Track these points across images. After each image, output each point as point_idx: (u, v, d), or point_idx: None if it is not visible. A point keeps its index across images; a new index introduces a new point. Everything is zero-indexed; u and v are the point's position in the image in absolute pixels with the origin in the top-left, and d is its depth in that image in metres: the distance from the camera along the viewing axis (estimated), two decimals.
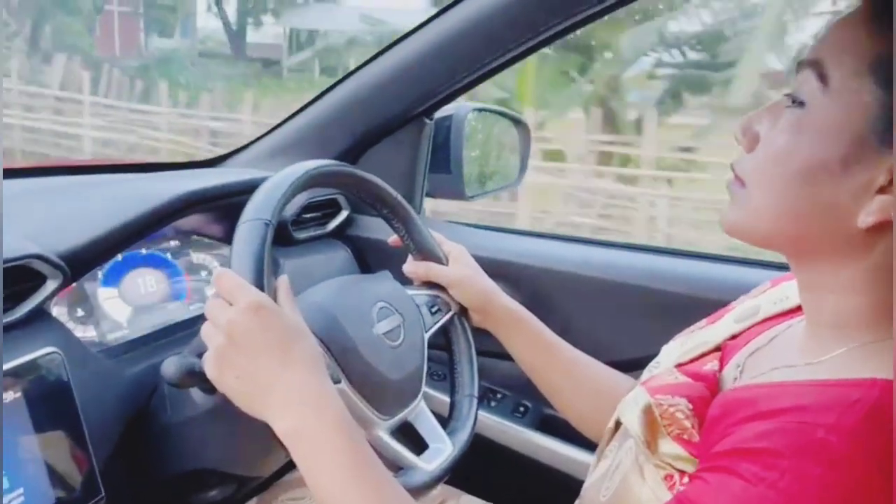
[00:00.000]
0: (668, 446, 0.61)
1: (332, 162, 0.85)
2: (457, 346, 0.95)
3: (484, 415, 1.19)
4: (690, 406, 0.63)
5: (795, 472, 0.49)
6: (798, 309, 0.70)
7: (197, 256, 1.10)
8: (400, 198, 0.91)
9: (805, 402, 0.53)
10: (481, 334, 0.96)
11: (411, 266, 0.94)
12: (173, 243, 1.07)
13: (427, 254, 0.94)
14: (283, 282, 0.72)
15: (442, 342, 0.95)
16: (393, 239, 0.96)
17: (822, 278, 0.60)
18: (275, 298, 0.69)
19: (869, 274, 0.57)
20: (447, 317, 0.93)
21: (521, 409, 1.21)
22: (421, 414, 0.86)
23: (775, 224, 0.59)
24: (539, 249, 1.23)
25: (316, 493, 0.65)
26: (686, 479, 0.59)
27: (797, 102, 0.57)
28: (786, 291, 0.75)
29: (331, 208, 1.24)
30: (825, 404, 0.52)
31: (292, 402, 0.65)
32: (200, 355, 0.80)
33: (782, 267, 1.08)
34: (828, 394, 0.53)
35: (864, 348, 0.57)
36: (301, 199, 1.14)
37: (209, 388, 0.80)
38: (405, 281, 0.96)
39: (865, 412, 0.50)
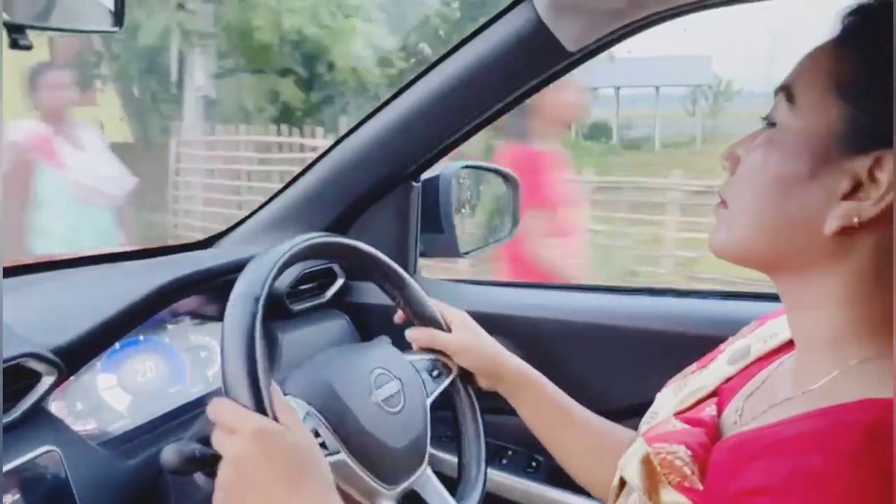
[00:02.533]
0: (670, 496, 0.60)
1: (317, 235, 0.86)
2: (460, 409, 0.95)
3: (496, 473, 1.17)
4: (689, 452, 0.62)
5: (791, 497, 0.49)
6: (787, 346, 0.71)
7: (196, 337, 1.10)
8: (395, 266, 0.92)
9: (802, 431, 0.53)
10: (488, 391, 0.95)
11: (414, 333, 0.95)
12: (170, 326, 1.07)
13: (428, 321, 0.94)
14: (276, 392, 0.70)
15: (444, 405, 0.94)
16: (399, 316, 0.97)
17: (804, 294, 0.61)
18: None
19: (848, 286, 0.58)
20: (448, 380, 0.93)
21: (534, 463, 1.19)
22: (427, 481, 0.84)
23: (754, 239, 0.62)
24: (530, 299, 1.23)
25: None
26: None
27: (770, 124, 0.62)
28: (773, 329, 0.75)
29: (326, 277, 1.25)
30: (822, 431, 0.52)
31: None
32: (201, 440, 0.80)
33: (769, 297, 1.08)
34: (825, 421, 0.53)
35: (856, 368, 0.57)
36: (296, 271, 1.15)
37: (212, 472, 0.79)
38: (405, 346, 0.96)
39: (863, 434, 0.50)
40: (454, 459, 0.96)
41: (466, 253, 1.34)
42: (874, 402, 0.52)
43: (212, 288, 1.04)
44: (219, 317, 1.11)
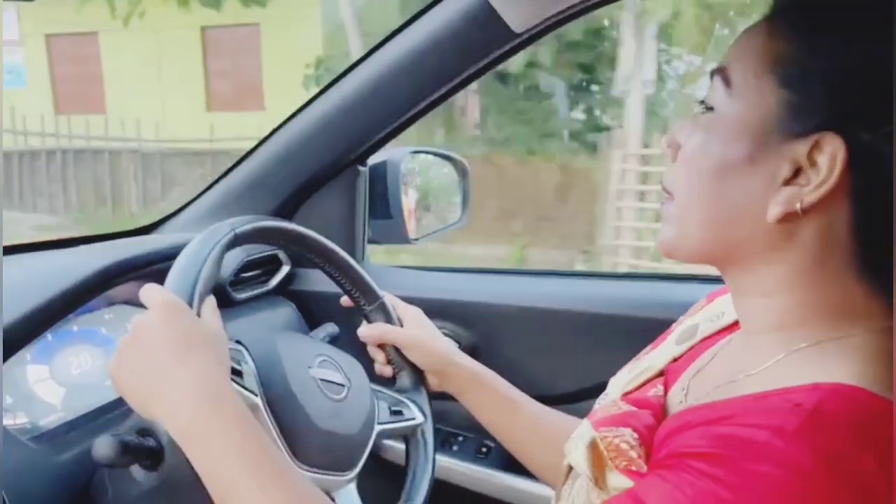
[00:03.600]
0: (617, 479, 0.60)
1: (272, 219, 0.85)
2: (414, 458, 0.90)
3: (447, 459, 1.17)
4: (635, 435, 0.61)
5: (742, 471, 0.48)
6: (734, 325, 0.71)
7: None
8: (344, 255, 0.90)
9: (748, 407, 0.53)
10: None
11: (366, 329, 0.93)
12: (107, 316, 1.03)
13: (380, 314, 0.93)
14: (210, 300, 0.73)
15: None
16: (345, 299, 0.95)
17: (751, 282, 0.60)
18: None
19: (794, 272, 0.57)
20: (408, 423, 0.90)
21: (484, 449, 1.19)
22: (348, 495, 0.80)
23: (701, 231, 0.60)
24: (482, 285, 1.22)
25: (217, 495, 0.62)
26: None
27: (708, 108, 0.60)
28: (721, 307, 0.75)
29: (271, 265, 1.22)
30: (767, 410, 0.51)
31: (186, 399, 0.63)
32: (141, 430, 0.76)
33: (719, 280, 1.09)
34: (770, 401, 0.52)
35: (801, 353, 0.56)
36: (238, 258, 1.12)
37: (150, 465, 0.76)
38: (353, 333, 0.94)
39: (808, 414, 0.49)
40: (401, 447, 0.95)
41: (416, 239, 1.32)
42: (821, 386, 0.51)
43: (152, 274, 1.00)
44: None
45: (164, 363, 0.65)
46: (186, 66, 10.39)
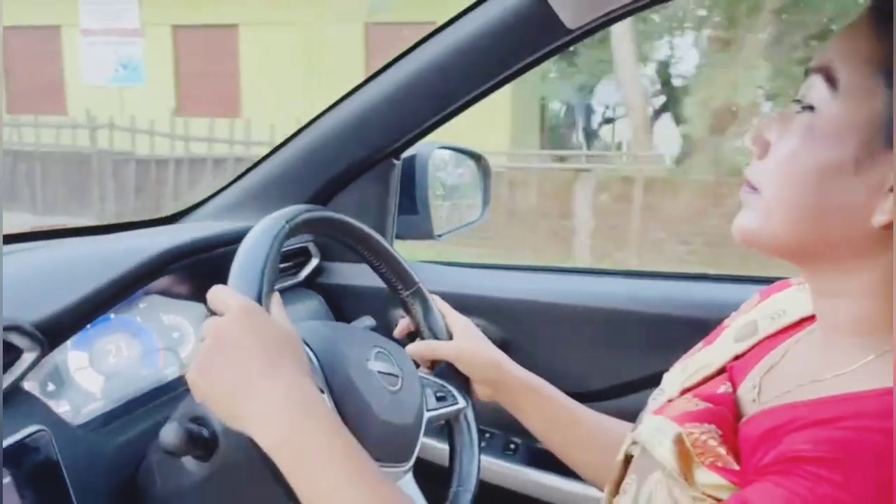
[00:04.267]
0: (707, 476, 0.59)
1: (341, 216, 0.84)
2: (459, 443, 0.91)
3: None
4: (720, 432, 0.61)
5: (860, 476, 0.49)
6: (799, 323, 0.71)
7: (167, 318, 1.04)
8: (411, 271, 0.91)
9: (855, 409, 0.52)
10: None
11: (414, 347, 0.92)
12: (142, 305, 1.01)
13: (431, 329, 0.93)
14: (276, 297, 0.72)
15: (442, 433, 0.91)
16: (400, 330, 0.95)
17: (839, 283, 0.60)
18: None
19: (884, 277, 0.57)
20: (452, 409, 0.90)
21: (512, 446, 1.19)
22: (406, 484, 0.81)
23: (791, 227, 0.59)
24: (515, 282, 1.22)
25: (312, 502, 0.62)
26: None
27: (807, 107, 0.58)
28: (781, 305, 0.75)
29: (300, 257, 1.21)
30: (876, 411, 0.51)
31: (278, 409, 0.62)
32: (194, 419, 0.75)
33: (760, 281, 1.11)
34: (875, 401, 0.52)
35: (890, 355, 0.56)
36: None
37: (202, 455, 0.75)
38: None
39: None
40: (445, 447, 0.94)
41: (440, 235, 1.32)
42: None
43: (186, 266, 0.98)
44: (192, 297, 1.06)
45: (253, 373, 0.63)
46: (345, 65, 8.97)
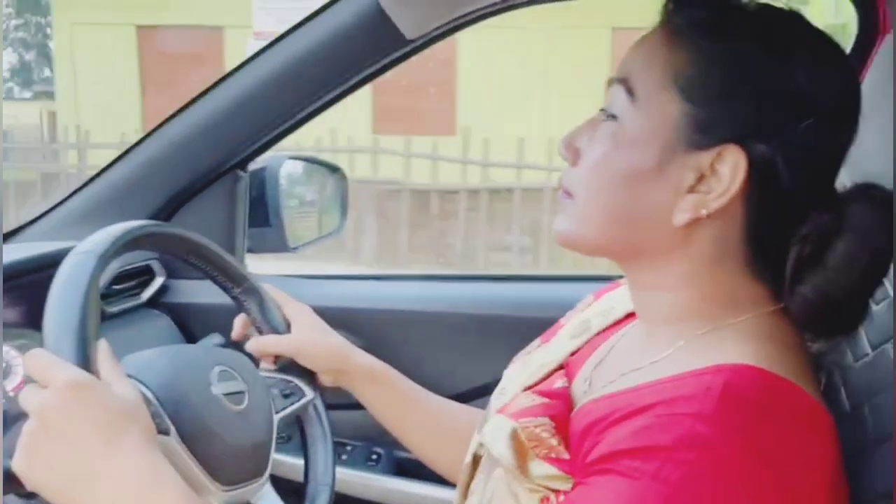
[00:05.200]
0: (540, 468, 0.62)
1: (158, 224, 0.79)
2: (311, 435, 0.90)
3: (338, 470, 1.15)
4: (553, 424, 0.64)
5: (674, 462, 0.51)
6: (626, 318, 0.75)
7: None
8: (236, 263, 0.87)
9: (666, 396, 0.56)
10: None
11: (253, 345, 0.90)
12: None
13: (268, 323, 0.90)
14: (103, 348, 0.65)
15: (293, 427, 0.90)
16: (236, 331, 0.91)
17: (652, 277, 0.64)
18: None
19: (692, 268, 0.62)
20: (300, 403, 0.88)
21: (374, 456, 1.19)
22: (266, 495, 0.79)
23: (604, 229, 0.63)
24: (364, 291, 1.22)
25: None
26: (562, 498, 0.60)
27: (611, 116, 0.62)
28: (610, 303, 0.79)
29: (143, 276, 1.15)
30: (684, 395, 0.55)
31: (127, 491, 0.58)
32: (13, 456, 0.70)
33: (597, 279, 1.17)
34: (682, 386, 0.56)
35: (700, 339, 0.61)
36: (110, 270, 1.05)
37: (26, 493, 0.69)
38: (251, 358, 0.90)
39: (720, 397, 0.53)
40: (299, 462, 0.93)
41: (296, 248, 1.30)
42: (723, 367, 0.56)
43: (13, 288, 0.91)
44: (18, 323, 0.98)
45: (90, 456, 0.58)
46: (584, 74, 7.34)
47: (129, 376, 0.70)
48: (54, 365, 0.60)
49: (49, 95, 12.68)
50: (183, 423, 0.70)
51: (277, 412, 0.84)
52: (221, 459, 0.73)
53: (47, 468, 0.58)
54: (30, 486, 0.59)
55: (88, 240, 0.69)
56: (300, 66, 1.02)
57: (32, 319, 0.97)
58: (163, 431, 0.68)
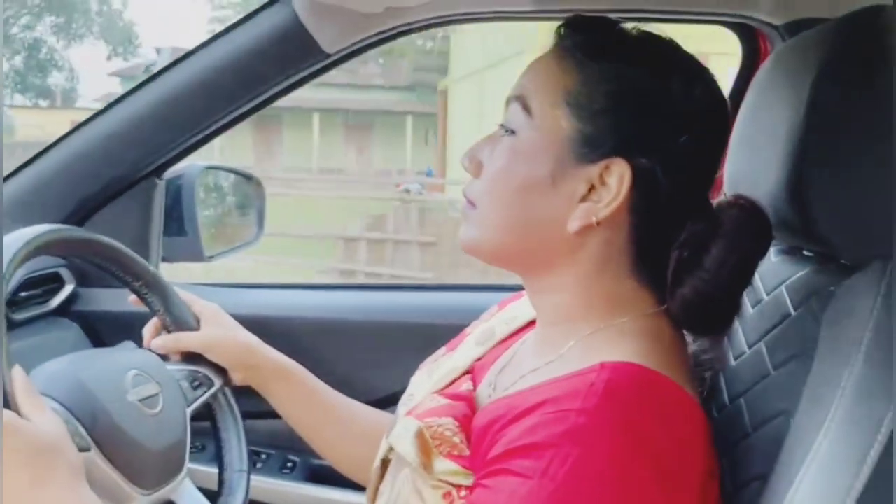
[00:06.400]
0: (443, 464, 0.65)
1: (60, 226, 0.78)
2: (222, 422, 0.91)
3: (253, 478, 1.15)
4: (456, 423, 0.67)
5: (560, 457, 0.55)
6: (528, 326, 0.79)
7: None
8: (141, 260, 0.87)
9: (554, 394, 0.60)
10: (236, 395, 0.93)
11: (160, 341, 0.89)
12: None
13: (177, 317, 0.89)
14: (18, 376, 0.63)
15: (204, 416, 0.90)
16: (133, 298, 0.90)
17: (546, 281, 0.69)
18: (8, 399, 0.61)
19: (582, 273, 0.67)
20: (210, 392, 0.89)
21: (290, 464, 1.19)
22: (186, 491, 0.80)
23: (503, 236, 0.68)
24: (281, 300, 1.23)
25: None
26: (463, 493, 0.63)
27: (509, 131, 0.67)
28: (514, 312, 0.83)
29: (52, 283, 1.13)
30: (570, 392, 0.59)
31: None
32: None
33: (505, 288, 1.22)
34: (570, 384, 0.60)
35: (587, 338, 0.66)
36: (16, 277, 1.02)
37: None
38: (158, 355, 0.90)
39: (602, 392, 0.58)
40: (209, 470, 0.93)
41: (212, 257, 1.29)
42: (607, 364, 0.60)
43: None
44: None
45: (19, 493, 0.59)
46: None
47: (44, 394, 0.69)
48: None
49: None
50: (102, 435, 0.70)
51: (189, 405, 0.84)
52: (143, 465, 0.73)
53: None
54: None
55: None
56: (217, 75, 1.03)
57: None
58: (84, 449, 0.68)
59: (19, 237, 0.71)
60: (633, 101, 0.64)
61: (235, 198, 1.40)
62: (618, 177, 0.63)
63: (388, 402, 1.16)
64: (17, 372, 0.64)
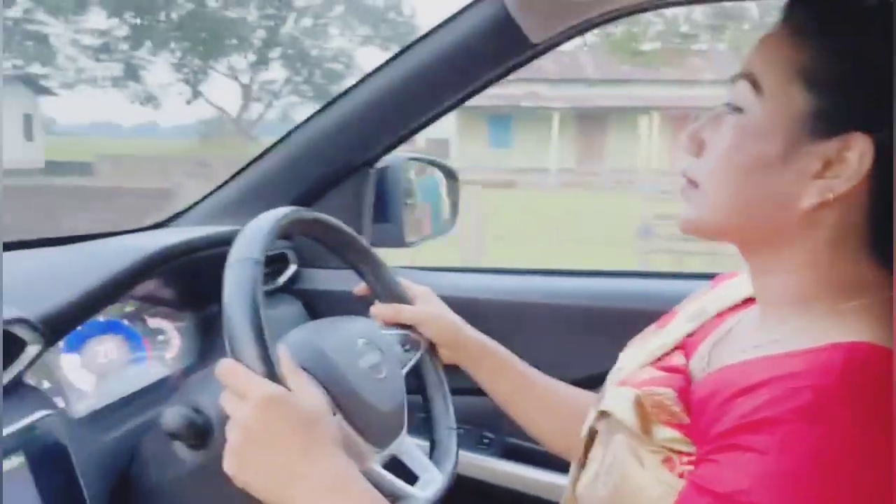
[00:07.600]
0: (662, 432, 0.66)
1: (304, 209, 0.87)
2: (430, 382, 0.97)
3: None
4: (675, 394, 0.68)
5: (795, 435, 0.55)
6: (744, 303, 0.78)
7: (152, 321, 1.08)
8: (367, 244, 0.95)
9: (785, 371, 0.59)
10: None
11: (379, 308, 0.96)
12: (127, 309, 1.04)
13: (395, 297, 0.97)
14: (283, 354, 0.71)
15: (412, 382, 0.97)
16: (360, 288, 0.98)
17: (775, 261, 0.68)
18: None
19: (815, 253, 0.65)
20: (418, 355, 0.96)
21: (486, 440, 1.24)
22: (408, 446, 0.87)
23: (730, 216, 0.67)
24: (482, 283, 1.28)
25: None
26: (685, 459, 0.64)
27: (736, 109, 0.66)
28: (728, 290, 0.82)
29: (278, 263, 1.25)
30: (802, 369, 0.58)
31: (319, 490, 0.66)
32: (193, 408, 0.79)
33: (705, 276, 1.19)
34: (801, 360, 0.59)
35: (819, 319, 0.64)
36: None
37: (198, 443, 0.79)
38: None
39: (839, 373, 0.57)
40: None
41: (412, 243, 1.38)
42: (840, 345, 0.59)
43: (173, 269, 1.02)
44: (174, 302, 1.09)
45: (291, 461, 0.65)
46: None
47: (303, 368, 0.77)
48: (249, 380, 0.67)
49: None
50: (344, 400, 0.78)
51: (402, 366, 0.91)
52: (376, 426, 0.81)
53: (254, 471, 0.66)
54: (239, 484, 0.67)
55: (242, 244, 0.73)
56: (429, 71, 1.09)
57: (179, 301, 1.08)
58: (332, 414, 0.76)
59: (271, 217, 0.79)
60: (870, 73, 0.61)
61: (433, 187, 1.48)
62: (859, 152, 0.61)
63: (585, 383, 1.19)
64: (282, 349, 0.72)
